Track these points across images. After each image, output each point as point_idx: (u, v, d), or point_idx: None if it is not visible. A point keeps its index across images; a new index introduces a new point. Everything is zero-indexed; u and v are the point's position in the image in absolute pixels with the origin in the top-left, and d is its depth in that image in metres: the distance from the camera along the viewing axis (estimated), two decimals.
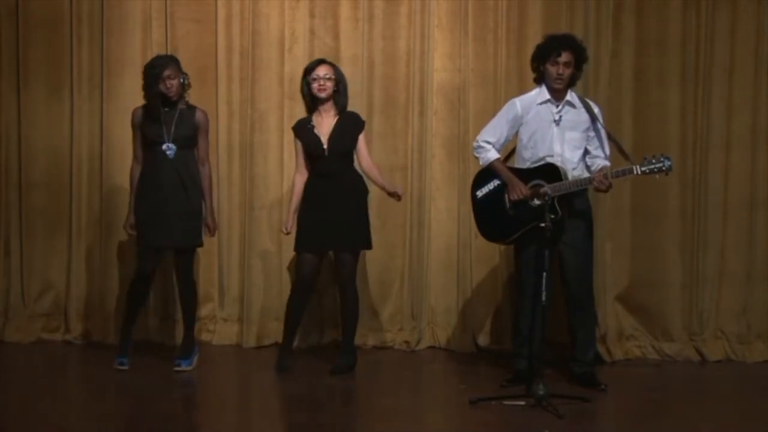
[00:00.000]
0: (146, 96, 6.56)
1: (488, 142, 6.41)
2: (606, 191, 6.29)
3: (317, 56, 7.03)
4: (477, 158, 6.49)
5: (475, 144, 6.49)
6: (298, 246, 6.67)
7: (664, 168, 6.07)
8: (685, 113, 7.22)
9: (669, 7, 7.21)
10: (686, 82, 7.21)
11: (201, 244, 6.74)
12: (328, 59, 6.81)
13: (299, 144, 6.68)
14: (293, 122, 6.82)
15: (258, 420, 5.97)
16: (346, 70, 7.31)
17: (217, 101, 7.43)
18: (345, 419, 6.03)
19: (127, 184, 6.80)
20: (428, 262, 7.44)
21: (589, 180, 6.17)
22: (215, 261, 7.51)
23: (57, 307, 7.50)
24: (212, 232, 6.76)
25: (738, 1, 7.20)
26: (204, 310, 7.50)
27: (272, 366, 6.74)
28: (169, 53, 6.86)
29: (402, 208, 7.38)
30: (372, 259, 7.41)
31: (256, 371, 6.85)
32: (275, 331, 7.28)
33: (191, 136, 6.62)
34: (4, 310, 7.47)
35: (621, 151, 6.35)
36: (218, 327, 7.49)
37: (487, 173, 6.44)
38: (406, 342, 7.43)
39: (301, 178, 6.69)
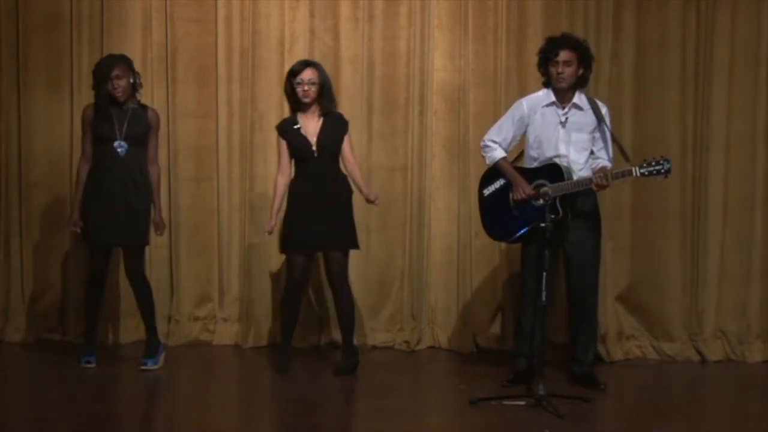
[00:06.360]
0: (95, 95, 6.58)
1: (494, 141, 6.43)
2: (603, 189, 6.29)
3: (317, 56, 7.03)
4: (484, 157, 6.50)
5: (482, 143, 6.51)
6: (289, 247, 6.63)
7: (663, 171, 6.06)
8: (685, 113, 7.22)
9: (669, 7, 7.21)
10: (686, 82, 7.21)
11: (148, 243, 6.75)
12: (315, 60, 6.78)
13: (284, 144, 6.63)
14: None
15: (258, 420, 5.97)
16: (346, 70, 7.33)
17: (217, 101, 7.43)
18: (345, 419, 6.03)
19: None
20: (428, 262, 7.44)
21: (589, 180, 6.17)
22: (215, 261, 7.51)
23: (57, 307, 7.49)
24: (161, 231, 6.78)
25: (738, 1, 7.19)
26: (204, 310, 7.51)
27: (272, 366, 6.76)
28: (121, 54, 6.67)
29: (402, 208, 7.39)
30: (372, 259, 7.41)
31: (256, 371, 6.84)
32: (275, 332, 7.29)
33: (143, 134, 6.62)
34: (4, 310, 7.46)
35: (622, 152, 6.35)
36: (218, 327, 7.49)
37: (493, 172, 6.46)
38: (406, 342, 7.42)
39: (283, 179, 6.63)
